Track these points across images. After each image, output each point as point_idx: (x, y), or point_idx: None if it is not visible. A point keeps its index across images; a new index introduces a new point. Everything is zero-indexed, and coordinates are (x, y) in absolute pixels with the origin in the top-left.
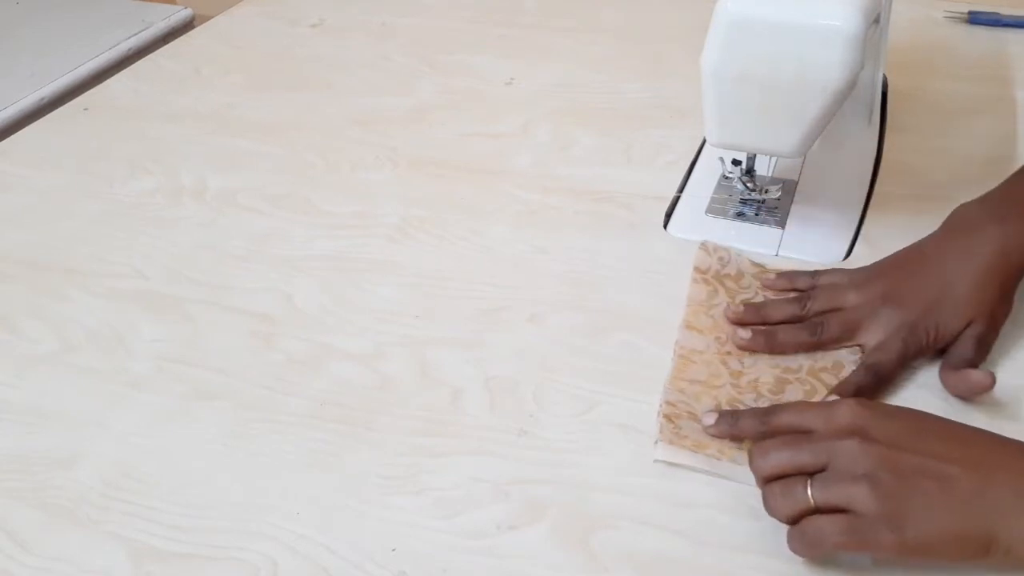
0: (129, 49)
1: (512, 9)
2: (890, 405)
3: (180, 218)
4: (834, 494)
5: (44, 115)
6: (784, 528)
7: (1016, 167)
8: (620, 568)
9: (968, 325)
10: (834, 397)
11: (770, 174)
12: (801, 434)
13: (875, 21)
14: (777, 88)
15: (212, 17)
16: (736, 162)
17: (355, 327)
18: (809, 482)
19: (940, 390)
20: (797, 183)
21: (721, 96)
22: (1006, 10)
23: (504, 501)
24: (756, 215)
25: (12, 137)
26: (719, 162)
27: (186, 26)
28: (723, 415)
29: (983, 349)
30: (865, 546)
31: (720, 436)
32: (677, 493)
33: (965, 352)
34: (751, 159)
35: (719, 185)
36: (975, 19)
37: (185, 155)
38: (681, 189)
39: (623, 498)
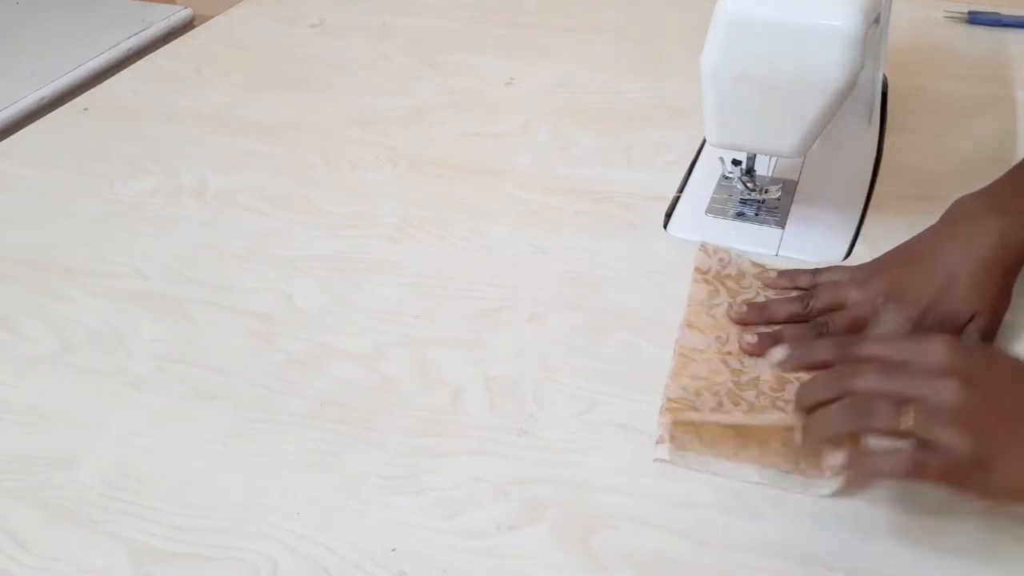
0: (129, 49)
1: (512, 9)
2: (986, 346)
3: (180, 218)
4: (932, 429)
5: (44, 115)
6: (782, 527)
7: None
8: (620, 568)
9: (971, 318)
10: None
11: (770, 174)
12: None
13: (875, 21)
14: (777, 88)
15: (212, 17)
16: (736, 162)
17: (355, 327)
18: (906, 408)
19: None
20: (797, 183)
21: (721, 96)
22: (1006, 10)
23: (504, 501)
24: (756, 215)
25: (12, 137)
26: (719, 162)
27: (186, 26)
28: (795, 349)
29: (986, 342)
30: (956, 485)
31: (795, 368)
32: (677, 493)
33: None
34: (751, 159)
35: (719, 185)
36: (975, 19)
37: (185, 155)
38: (681, 189)
39: (623, 498)
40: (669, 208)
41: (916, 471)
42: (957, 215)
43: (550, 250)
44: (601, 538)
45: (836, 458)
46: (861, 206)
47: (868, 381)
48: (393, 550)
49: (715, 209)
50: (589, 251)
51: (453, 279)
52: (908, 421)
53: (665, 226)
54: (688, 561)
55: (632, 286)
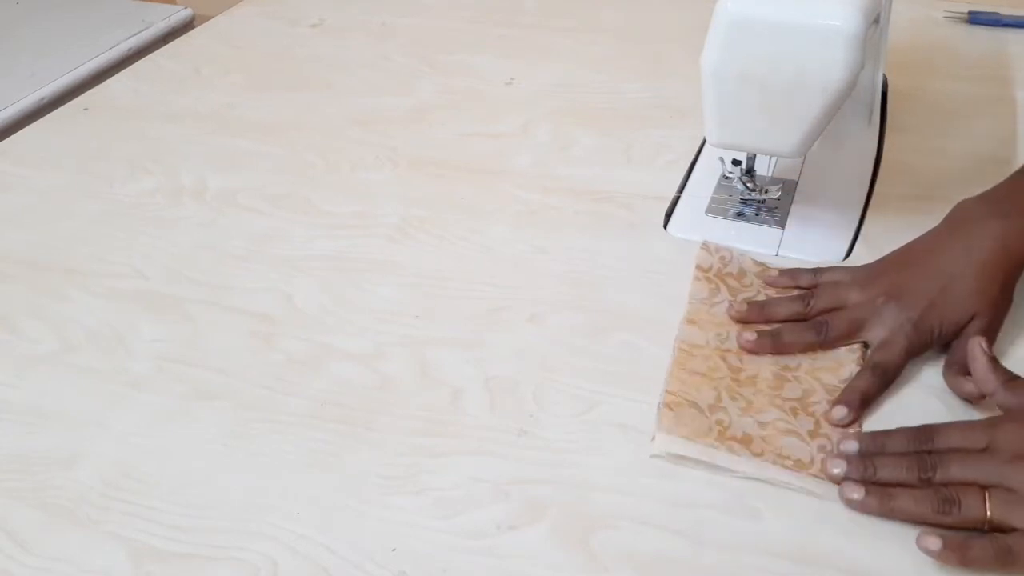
0: (129, 49)
1: (512, 9)
2: None
3: (180, 218)
4: (1015, 516)
5: (44, 115)
6: (782, 527)
7: (1016, 167)
8: (620, 568)
9: (971, 320)
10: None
11: (770, 174)
12: (970, 451)
13: (875, 21)
14: (777, 88)
15: (212, 17)
16: (736, 162)
17: (355, 327)
18: (987, 496)
19: (940, 390)
20: (797, 183)
21: (721, 96)
22: (1006, 10)
23: (504, 501)
24: (756, 215)
25: (12, 137)
26: (719, 162)
27: (186, 26)
28: (872, 462)
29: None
30: None
31: (869, 509)
32: (677, 493)
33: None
34: (751, 159)
35: (719, 185)
36: (975, 19)
37: (185, 155)
38: (681, 189)
39: (623, 498)
40: (669, 208)
41: (1005, 559)
42: (959, 217)
43: (550, 250)
44: (601, 538)
45: (932, 542)
46: (861, 206)
47: (956, 469)
48: (393, 550)
49: (715, 209)
50: (589, 251)
51: (453, 279)
52: (991, 509)
53: (665, 226)
54: (688, 561)
55: (632, 286)
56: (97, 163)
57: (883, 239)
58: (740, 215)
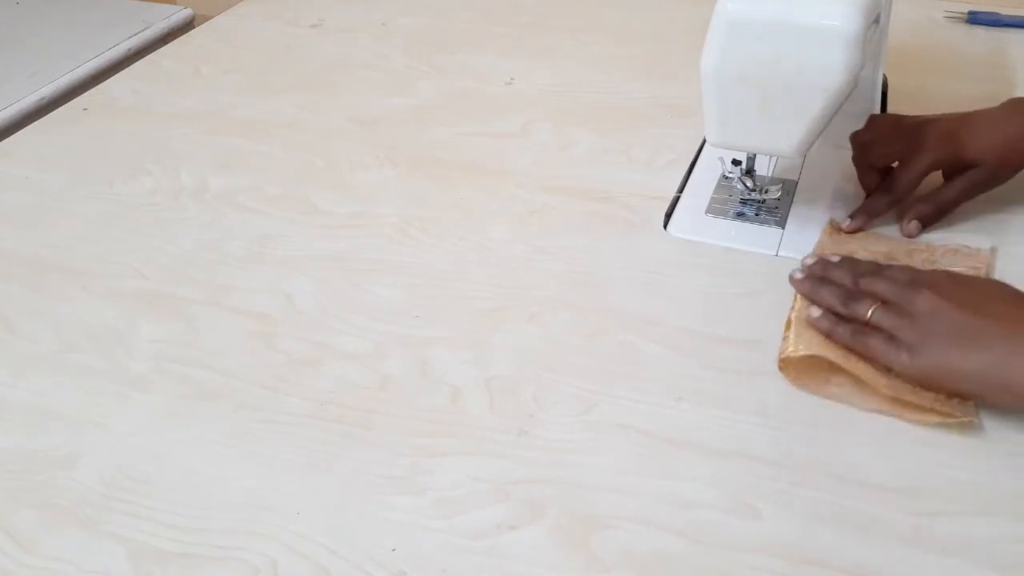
0: (129, 49)
1: (512, 9)
2: (966, 275)
3: (180, 218)
4: (885, 320)
5: (44, 115)
6: (782, 527)
7: None
8: (620, 568)
9: (975, 166)
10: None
11: (770, 174)
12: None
13: (875, 21)
14: (777, 88)
15: (212, 17)
16: (736, 162)
17: (355, 327)
18: (878, 305)
19: None
20: (797, 183)
21: (721, 96)
22: (1006, 10)
23: (504, 501)
24: (756, 215)
25: (12, 137)
26: (719, 162)
27: (186, 26)
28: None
29: (967, 195)
30: (888, 362)
31: (804, 292)
32: (677, 493)
33: (948, 193)
34: (751, 159)
35: (719, 185)
36: (975, 19)
37: (185, 155)
38: (681, 189)
39: (623, 498)
40: (669, 208)
41: (857, 341)
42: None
43: (550, 250)
44: (601, 538)
45: (814, 312)
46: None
47: (867, 283)
48: (393, 550)
49: (715, 209)
50: (589, 251)
51: (453, 279)
52: (873, 312)
53: (665, 226)
54: (688, 561)
55: (632, 286)
56: (97, 163)
57: None
58: (740, 215)
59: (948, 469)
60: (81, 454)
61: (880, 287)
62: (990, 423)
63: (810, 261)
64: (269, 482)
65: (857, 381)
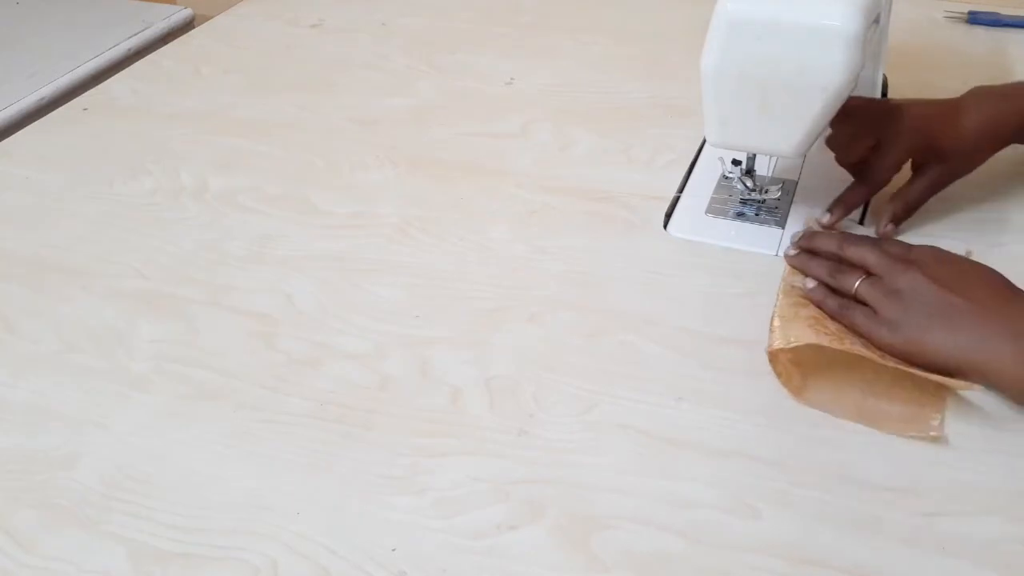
0: (129, 49)
1: (512, 9)
2: (955, 255)
3: (180, 218)
4: (870, 294)
5: (44, 115)
6: (782, 527)
7: (1015, 166)
8: (620, 568)
9: (936, 165)
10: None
11: (770, 174)
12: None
13: (875, 21)
14: (777, 88)
15: (212, 17)
16: (736, 162)
17: (355, 327)
18: (864, 278)
19: None
20: (797, 183)
21: (721, 96)
22: (1006, 10)
23: (504, 501)
24: (756, 215)
25: (12, 137)
26: (719, 162)
27: (186, 26)
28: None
29: (936, 189)
30: (870, 336)
31: (797, 265)
32: (677, 493)
33: (917, 188)
34: (751, 159)
35: (719, 185)
36: (975, 19)
37: (185, 155)
38: (681, 189)
39: (623, 498)
40: (669, 208)
41: (843, 313)
42: (969, 95)
43: (550, 250)
44: (601, 538)
45: (808, 283)
46: (861, 207)
47: (866, 253)
48: (393, 550)
49: (715, 209)
50: (589, 251)
51: (453, 279)
52: (859, 286)
53: (665, 226)
54: (688, 561)
55: (632, 286)
56: (97, 163)
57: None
58: (740, 215)
59: (948, 469)
60: (81, 454)
61: (869, 260)
62: (990, 424)
63: (800, 235)
64: (269, 482)
65: (834, 389)
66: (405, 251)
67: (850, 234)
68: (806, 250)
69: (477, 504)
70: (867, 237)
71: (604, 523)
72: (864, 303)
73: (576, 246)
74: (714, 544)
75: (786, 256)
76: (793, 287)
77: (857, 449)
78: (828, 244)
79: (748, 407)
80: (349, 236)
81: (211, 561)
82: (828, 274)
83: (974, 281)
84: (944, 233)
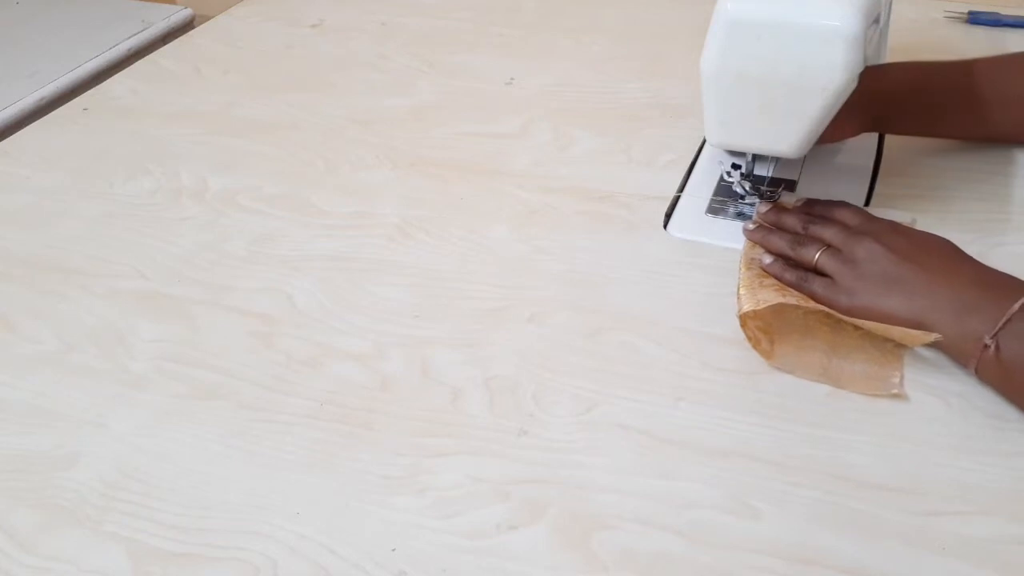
0: (129, 49)
1: (512, 9)
2: (914, 229)
3: (180, 218)
4: (830, 265)
5: (44, 115)
6: (782, 527)
7: (1015, 166)
8: (620, 568)
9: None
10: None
11: (770, 174)
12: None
13: (875, 21)
14: (777, 88)
15: (212, 17)
16: (736, 166)
17: (355, 327)
18: (824, 249)
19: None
20: (797, 183)
21: (721, 96)
22: (1006, 10)
23: (504, 501)
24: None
25: (12, 137)
26: (719, 163)
27: (186, 26)
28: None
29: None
30: (829, 304)
31: (756, 239)
32: (677, 493)
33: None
34: (751, 159)
35: (719, 185)
36: (975, 19)
37: (185, 155)
38: (681, 189)
39: (623, 498)
40: (669, 208)
41: (801, 284)
42: None
43: (550, 250)
44: (601, 538)
45: (766, 259)
46: (861, 206)
47: (815, 230)
48: (393, 550)
49: (715, 209)
50: (589, 251)
51: (453, 279)
52: (819, 256)
53: (665, 226)
54: (688, 561)
55: (632, 286)
56: (97, 163)
57: None
58: (740, 215)
59: (948, 469)
60: (81, 454)
61: (827, 234)
62: (990, 424)
63: (764, 209)
64: (269, 482)
65: (799, 352)
66: (405, 251)
67: (813, 205)
68: (769, 224)
69: (477, 504)
70: (826, 205)
71: (604, 523)
72: (824, 274)
73: (576, 246)
74: (714, 544)
75: (745, 230)
76: (753, 260)
77: (857, 449)
78: (791, 221)
79: (748, 407)
80: (349, 236)
81: (211, 561)
82: (789, 246)
83: (927, 251)
84: (944, 233)
